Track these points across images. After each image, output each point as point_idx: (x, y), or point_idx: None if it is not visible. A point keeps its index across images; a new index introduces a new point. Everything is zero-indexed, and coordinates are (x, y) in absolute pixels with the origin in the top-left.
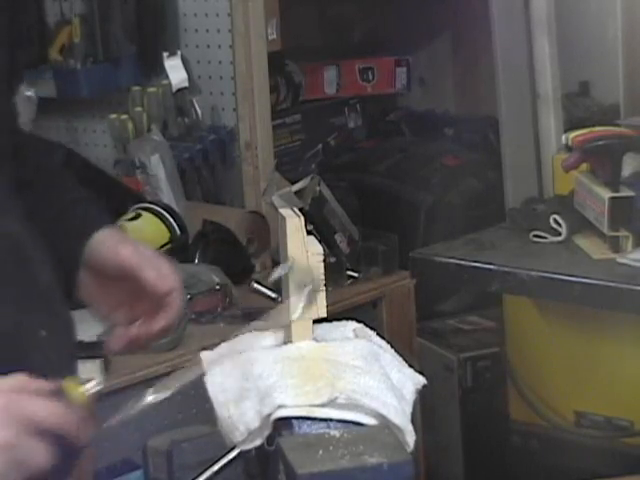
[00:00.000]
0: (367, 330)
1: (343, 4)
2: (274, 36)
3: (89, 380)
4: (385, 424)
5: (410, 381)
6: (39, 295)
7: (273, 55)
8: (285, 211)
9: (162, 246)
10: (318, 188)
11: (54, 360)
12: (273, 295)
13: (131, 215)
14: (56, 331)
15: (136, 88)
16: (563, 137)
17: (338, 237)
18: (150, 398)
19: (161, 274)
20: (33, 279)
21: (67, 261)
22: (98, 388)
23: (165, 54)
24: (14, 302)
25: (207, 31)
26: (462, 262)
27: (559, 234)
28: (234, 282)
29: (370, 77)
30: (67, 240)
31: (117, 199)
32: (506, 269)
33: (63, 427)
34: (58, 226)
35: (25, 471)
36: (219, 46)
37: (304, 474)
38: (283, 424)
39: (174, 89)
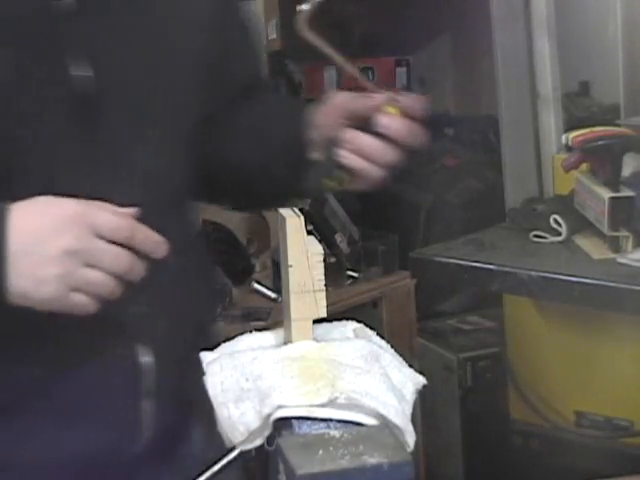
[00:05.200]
0: (367, 330)
1: (343, 4)
2: (274, 36)
3: None
4: (385, 424)
5: (410, 381)
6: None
7: (273, 55)
8: (285, 211)
9: None
10: None
11: None
12: (273, 295)
13: None
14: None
15: None
16: (563, 137)
17: (338, 237)
18: None
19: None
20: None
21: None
22: None
23: None
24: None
25: None
26: (462, 262)
27: (559, 234)
28: (234, 282)
29: (370, 77)
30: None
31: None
32: (506, 269)
33: (129, 239)
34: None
35: (95, 277)
36: None
37: (304, 474)
38: (283, 424)
39: None
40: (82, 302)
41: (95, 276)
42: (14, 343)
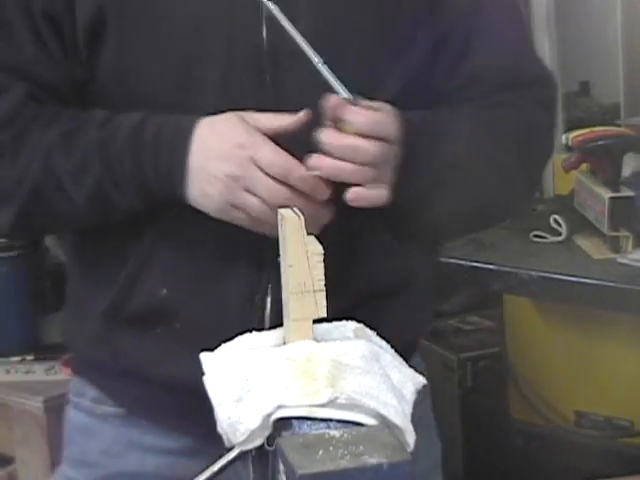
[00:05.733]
0: (367, 330)
1: None
2: None
3: None
4: (385, 424)
5: (410, 381)
6: None
7: None
8: (285, 211)
9: None
10: None
11: None
12: None
13: None
14: None
15: None
16: (563, 137)
17: None
18: None
19: None
20: None
21: None
22: None
23: None
24: None
25: None
26: (462, 262)
27: (559, 234)
28: None
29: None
30: None
31: None
32: (506, 269)
33: (284, 176)
34: None
35: (247, 200)
36: None
37: (304, 474)
38: (283, 424)
39: None
40: (241, 218)
41: (252, 200)
42: (149, 259)
